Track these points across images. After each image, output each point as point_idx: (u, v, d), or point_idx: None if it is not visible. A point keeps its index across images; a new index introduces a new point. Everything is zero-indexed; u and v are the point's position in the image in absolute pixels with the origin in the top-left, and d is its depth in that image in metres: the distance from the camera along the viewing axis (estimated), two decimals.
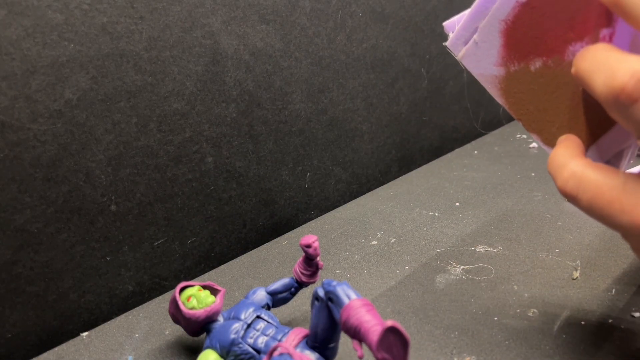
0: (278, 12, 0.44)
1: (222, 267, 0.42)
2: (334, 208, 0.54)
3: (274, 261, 0.42)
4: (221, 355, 0.27)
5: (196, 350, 0.32)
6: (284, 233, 0.48)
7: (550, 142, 0.30)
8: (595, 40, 0.27)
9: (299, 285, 0.31)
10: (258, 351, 0.26)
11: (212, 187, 0.43)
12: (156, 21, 0.36)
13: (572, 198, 0.25)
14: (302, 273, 0.31)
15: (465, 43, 0.30)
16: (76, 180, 0.34)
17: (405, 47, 0.59)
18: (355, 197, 0.56)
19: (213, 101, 0.41)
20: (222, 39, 0.40)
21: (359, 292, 0.24)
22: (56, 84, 0.32)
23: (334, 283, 0.24)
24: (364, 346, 0.27)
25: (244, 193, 0.45)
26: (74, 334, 0.35)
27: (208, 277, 0.41)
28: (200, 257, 0.43)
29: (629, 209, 0.22)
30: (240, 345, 0.26)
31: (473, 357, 0.29)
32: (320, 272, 0.32)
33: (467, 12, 0.30)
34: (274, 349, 0.24)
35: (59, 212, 0.34)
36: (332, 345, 0.25)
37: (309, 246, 0.29)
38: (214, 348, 0.27)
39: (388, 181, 0.60)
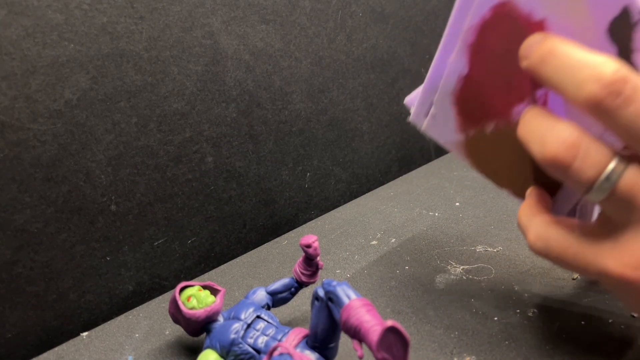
0: (278, 12, 0.44)
1: (222, 267, 0.42)
2: (334, 208, 0.54)
3: (274, 261, 0.42)
4: (221, 355, 0.27)
5: (196, 350, 0.32)
6: (284, 233, 0.48)
7: (521, 194, 0.32)
8: (534, 100, 0.28)
9: (299, 285, 0.31)
10: (258, 351, 0.26)
11: (212, 187, 0.43)
12: (156, 21, 0.36)
13: (542, 256, 0.26)
14: (302, 273, 0.31)
15: (426, 116, 0.32)
16: (76, 180, 0.34)
17: (405, 47, 0.59)
18: (355, 197, 0.56)
19: (213, 101, 0.41)
20: (222, 39, 0.40)
21: (359, 292, 0.24)
22: (56, 84, 0.32)
23: (334, 283, 0.24)
24: (364, 346, 0.27)
25: (244, 193, 0.45)
26: (74, 334, 0.35)
27: (208, 277, 0.41)
28: (200, 257, 0.43)
29: (592, 260, 0.23)
30: (240, 345, 0.26)
31: (473, 357, 0.29)
32: (320, 272, 0.32)
33: (420, 88, 0.32)
34: (274, 349, 0.24)
35: (59, 212, 0.34)
36: (332, 345, 0.25)
37: (309, 246, 0.29)
38: (214, 348, 0.27)
39: (388, 181, 0.60)
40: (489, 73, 0.29)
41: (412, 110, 0.33)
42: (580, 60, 0.21)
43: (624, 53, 0.23)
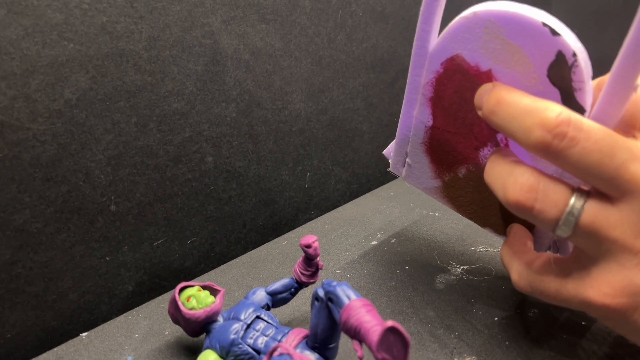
0: (278, 12, 0.44)
1: (222, 267, 0.42)
2: (334, 208, 0.54)
3: (274, 261, 0.42)
4: (221, 356, 0.27)
5: (196, 350, 0.32)
6: (284, 233, 0.48)
7: (503, 232, 0.33)
8: (496, 143, 0.30)
9: (299, 285, 0.31)
10: (258, 351, 0.26)
11: (212, 187, 0.43)
12: (156, 21, 0.36)
13: (527, 294, 0.27)
14: (302, 273, 0.31)
15: (403, 165, 0.35)
16: (76, 180, 0.34)
17: (406, 46, 0.59)
18: (355, 197, 0.56)
19: (213, 101, 0.41)
20: (222, 38, 0.40)
21: (359, 292, 0.24)
22: (56, 83, 0.32)
23: (334, 283, 0.24)
24: (364, 346, 0.27)
25: (243, 193, 0.45)
26: (74, 334, 0.34)
27: (208, 277, 0.41)
28: (200, 257, 0.43)
29: (574, 293, 0.24)
30: (240, 346, 0.26)
31: (473, 357, 0.29)
32: (320, 272, 0.31)
33: (394, 141, 0.34)
34: (274, 350, 0.24)
35: (58, 212, 0.34)
36: (332, 345, 0.25)
37: (308, 246, 0.29)
38: (213, 348, 0.27)
39: (388, 181, 0.60)
40: (451, 122, 0.31)
41: (391, 161, 0.35)
42: (526, 107, 0.23)
43: (567, 94, 0.24)
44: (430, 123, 0.31)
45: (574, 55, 0.23)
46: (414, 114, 0.32)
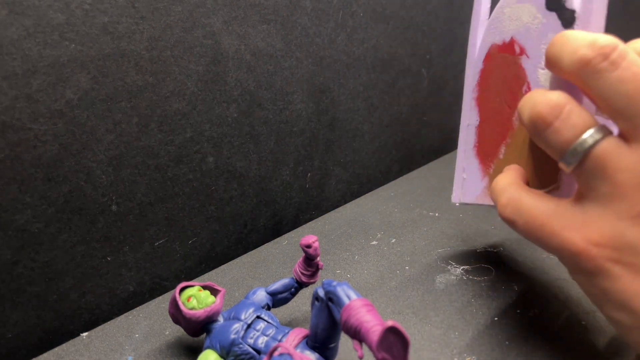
0: (279, 12, 0.44)
1: (222, 267, 0.42)
2: (334, 208, 0.54)
3: (275, 261, 0.42)
4: (221, 356, 0.27)
5: (196, 350, 0.32)
6: (284, 233, 0.48)
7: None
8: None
9: (299, 285, 0.31)
10: (258, 351, 0.26)
11: (213, 187, 0.43)
12: (157, 21, 0.36)
13: (510, 222, 0.26)
14: (302, 273, 0.31)
15: (461, 188, 0.37)
16: (77, 180, 0.34)
17: (406, 47, 0.59)
18: (356, 197, 0.56)
19: (214, 101, 0.41)
20: (223, 38, 0.40)
21: (359, 292, 0.24)
22: (57, 83, 0.32)
23: (334, 283, 0.24)
24: (364, 346, 0.27)
25: (244, 193, 0.45)
26: (74, 334, 0.35)
27: (208, 278, 0.41)
28: (201, 258, 0.43)
29: (558, 231, 0.23)
30: (241, 346, 0.26)
31: (473, 357, 0.29)
32: (320, 272, 0.32)
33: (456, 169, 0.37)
34: (274, 349, 0.24)
35: (59, 212, 0.34)
36: (332, 345, 0.25)
37: (309, 246, 0.29)
38: (214, 348, 0.27)
39: (388, 181, 0.60)
40: (490, 106, 0.33)
41: (453, 197, 0.38)
42: (580, 34, 0.24)
43: (566, 22, 0.27)
44: (478, 121, 0.34)
45: None
46: (465, 123, 0.35)
